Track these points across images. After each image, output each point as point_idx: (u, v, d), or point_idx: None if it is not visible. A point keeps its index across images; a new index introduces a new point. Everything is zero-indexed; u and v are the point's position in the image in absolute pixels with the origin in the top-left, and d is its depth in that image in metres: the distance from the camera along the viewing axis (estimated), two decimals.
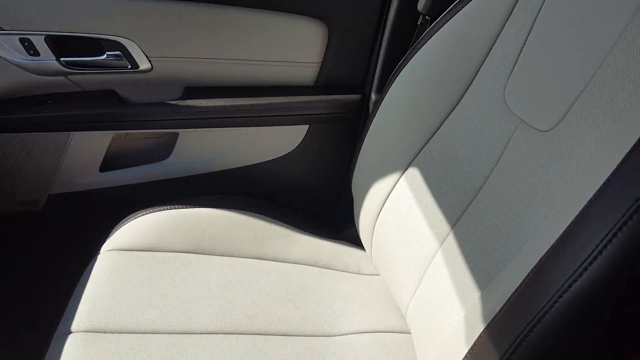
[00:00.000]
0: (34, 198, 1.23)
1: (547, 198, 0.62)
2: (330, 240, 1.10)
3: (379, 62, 1.18)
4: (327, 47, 1.17)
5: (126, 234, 0.99)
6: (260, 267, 0.99)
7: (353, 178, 1.06)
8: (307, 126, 1.23)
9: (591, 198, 0.53)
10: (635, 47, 0.58)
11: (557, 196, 0.61)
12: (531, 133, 0.69)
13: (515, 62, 0.74)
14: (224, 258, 0.99)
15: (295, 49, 1.15)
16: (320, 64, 1.19)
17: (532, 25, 0.73)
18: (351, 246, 1.11)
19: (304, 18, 1.12)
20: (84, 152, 1.17)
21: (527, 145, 0.69)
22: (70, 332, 0.80)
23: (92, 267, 0.92)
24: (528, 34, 0.73)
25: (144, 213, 1.03)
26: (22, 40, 1.04)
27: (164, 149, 1.23)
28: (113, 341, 0.79)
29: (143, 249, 0.97)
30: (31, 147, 1.15)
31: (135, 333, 0.81)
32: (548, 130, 0.66)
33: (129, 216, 1.04)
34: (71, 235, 1.28)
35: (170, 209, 1.04)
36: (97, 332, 0.80)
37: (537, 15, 0.73)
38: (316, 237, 1.09)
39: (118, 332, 0.81)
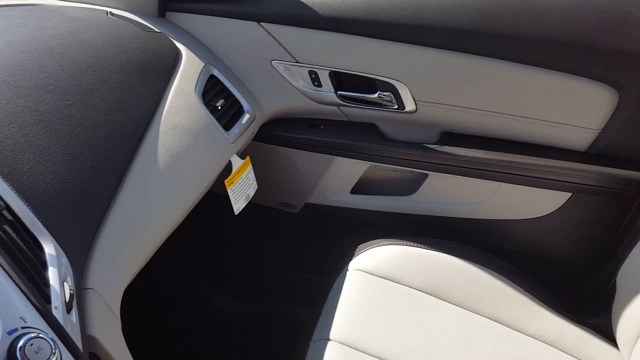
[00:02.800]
0: (292, 202, 1.40)
1: None
2: (576, 324, 1.00)
3: None
4: (613, 115, 1.03)
5: (371, 259, 1.06)
6: (496, 331, 0.96)
7: (621, 268, 0.93)
8: (570, 194, 1.11)
9: None
10: None
11: None
12: None
13: None
14: (460, 309, 0.99)
15: (576, 111, 1.04)
16: (599, 130, 1.06)
17: None
18: (601, 338, 0.98)
19: (593, 82, 1.00)
20: (341, 174, 1.27)
21: None
22: (329, 340, 0.90)
23: (342, 281, 1.02)
24: None
25: (387, 243, 1.09)
26: (311, 73, 1.16)
27: (410, 185, 1.26)
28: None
29: (385, 277, 1.03)
30: (297, 162, 1.30)
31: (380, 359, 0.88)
32: None
33: (373, 241, 1.11)
34: (318, 238, 1.42)
35: (412, 245, 1.08)
36: (350, 346, 0.90)
37: None
38: (560, 315, 1.00)
39: (366, 353, 0.88)
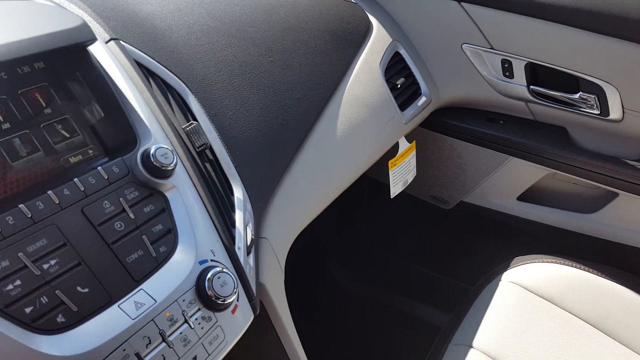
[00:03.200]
0: (446, 198, 1.33)
1: None
2: None
3: None
4: None
5: (531, 274, 0.98)
6: None
7: None
8: None
9: None
10: None
11: None
12: None
13: None
14: (628, 351, 0.87)
15: None
16: None
17: None
18: None
19: None
20: (512, 177, 1.17)
21: None
22: (471, 347, 0.85)
23: (493, 290, 0.96)
24: None
25: (551, 260, 0.99)
26: (504, 62, 1.08)
27: (592, 203, 1.13)
28: None
29: (545, 297, 0.94)
30: (463, 155, 1.22)
31: None
32: None
33: (534, 255, 1.02)
34: (467, 241, 1.34)
35: (580, 268, 0.97)
36: (493, 358, 0.84)
37: None
38: None
39: None
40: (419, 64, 1.15)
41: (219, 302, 0.52)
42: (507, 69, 1.08)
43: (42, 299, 0.45)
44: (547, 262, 1.01)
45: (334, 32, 0.96)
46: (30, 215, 0.47)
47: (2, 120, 0.52)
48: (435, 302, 1.42)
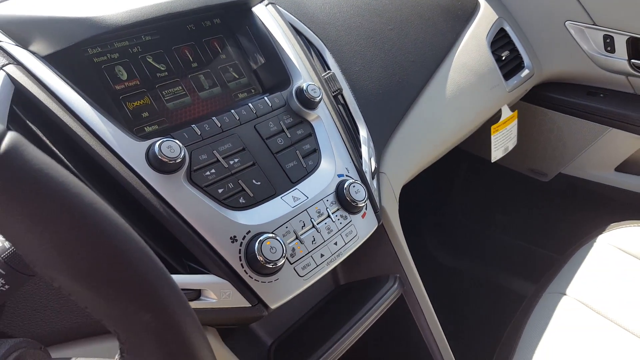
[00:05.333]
0: (544, 170, 1.39)
1: None
2: None
3: None
4: None
5: (627, 237, 1.03)
6: None
7: None
8: None
9: None
10: None
11: None
12: None
13: None
14: None
15: None
16: None
17: None
18: None
19: None
20: (610, 148, 1.22)
21: None
22: (565, 294, 0.94)
23: (587, 250, 1.02)
24: None
25: None
26: (606, 37, 1.13)
27: None
28: (595, 319, 0.89)
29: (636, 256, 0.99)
30: (564, 127, 1.28)
31: (614, 323, 0.87)
32: None
33: (630, 221, 1.06)
34: (564, 213, 1.39)
35: None
36: (585, 304, 0.91)
37: None
38: None
39: (600, 314, 0.89)
40: (522, 39, 1.23)
41: (353, 204, 0.66)
42: (609, 44, 1.13)
43: (229, 184, 0.61)
44: None
45: (445, 8, 1.08)
46: (219, 125, 0.64)
47: (191, 60, 0.70)
48: (526, 273, 1.48)
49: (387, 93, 0.88)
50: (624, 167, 1.24)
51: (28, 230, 0.24)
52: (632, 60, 1.12)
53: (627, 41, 1.11)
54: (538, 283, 1.05)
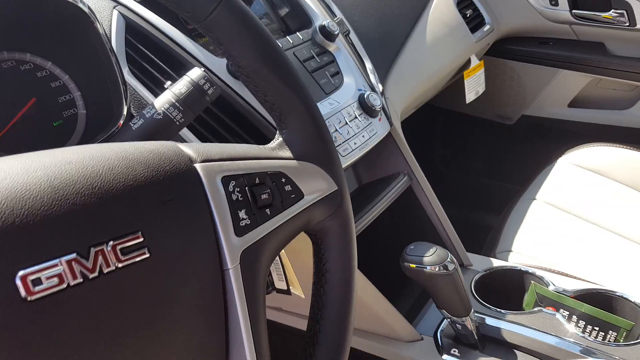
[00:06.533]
0: (509, 115, 1.62)
1: None
2: None
3: None
4: None
5: (579, 156, 1.25)
6: None
7: None
8: None
9: None
10: None
11: None
12: None
13: None
14: None
15: None
16: None
17: None
18: None
19: None
20: (562, 87, 1.46)
21: None
22: (535, 199, 1.15)
23: (553, 166, 1.24)
24: None
25: (597, 145, 1.26)
26: None
27: (628, 102, 1.39)
28: (561, 215, 1.10)
29: (592, 170, 1.21)
30: (522, 74, 1.52)
31: (579, 217, 1.09)
32: None
33: (583, 144, 1.29)
34: (528, 148, 1.63)
35: (620, 147, 1.24)
36: (553, 205, 1.13)
37: None
38: None
39: (565, 211, 1.11)
40: (482, 1, 1.46)
41: (372, 109, 0.86)
42: None
43: None
44: (594, 146, 1.27)
45: None
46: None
47: None
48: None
49: (381, 38, 1.09)
50: (575, 103, 1.48)
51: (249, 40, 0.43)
52: (573, 11, 1.36)
53: None
54: (515, 193, 1.27)
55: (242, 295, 0.40)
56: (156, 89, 0.67)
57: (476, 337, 0.76)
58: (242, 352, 0.40)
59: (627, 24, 1.30)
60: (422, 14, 1.23)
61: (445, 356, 0.76)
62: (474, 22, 1.40)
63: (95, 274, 0.32)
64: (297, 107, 0.47)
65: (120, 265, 0.33)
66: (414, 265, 0.72)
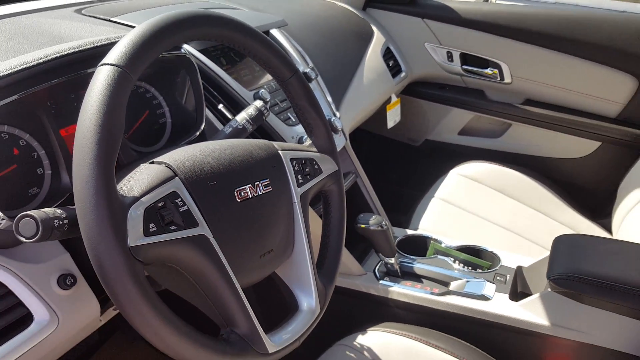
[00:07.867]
0: (416, 138, 2.16)
1: None
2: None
3: None
4: (635, 94, 1.68)
5: (465, 169, 1.78)
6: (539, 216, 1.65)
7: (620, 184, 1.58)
8: (599, 143, 1.77)
9: None
10: None
11: None
12: None
13: None
14: (518, 204, 1.68)
15: (607, 89, 1.71)
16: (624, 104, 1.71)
17: None
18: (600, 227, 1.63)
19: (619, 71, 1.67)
20: (454, 120, 2.02)
21: None
22: (434, 197, 1.65)
23: (446, 176, 1.75)
24: None
25: (476, 162, 1.81)
26: (448, 53, 1.93)
27: (498, 132, 1.98)
28: (450, 206, 1.61)
29: (472, 178, 1.74)
30: (426, 109, 2.06)
31: (460, 208, 1.60)
32: None
33: (468, 162, 1.82)
34: (432, 162, 2.16)
35: (492, 163, 1.79)
36: (447, 202, 1.63)
37: None
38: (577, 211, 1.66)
39: (456, 206, 1.61)
40: (400, 54, 1.98)
41: (336, 128, 1.31)
42: (450, 57, 1.93)
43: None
44: (476, 162, 1.82)
45: (357, 34, 1.79)
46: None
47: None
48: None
49: (334, 78, 1.55)
50: (463, 132, 2.04)
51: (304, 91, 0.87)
52: (463, 66, 1.92)
53: (460, 55, 1.91)
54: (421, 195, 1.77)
55: (300, 214, 0.82)
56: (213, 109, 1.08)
57: (399, 272, 1.23)
58: (301, 241, 0.82)
59: (499, 79, 1.88)
60: (360, 62, 1.72)
61: (381, 282, 1.22)
62: (394, 69, 1.92)
63: (255, 194, 0.73)
64: (318, 125, 0.91)
65: (261, 192, 0.74)
66: (363, 226, 1.17)
